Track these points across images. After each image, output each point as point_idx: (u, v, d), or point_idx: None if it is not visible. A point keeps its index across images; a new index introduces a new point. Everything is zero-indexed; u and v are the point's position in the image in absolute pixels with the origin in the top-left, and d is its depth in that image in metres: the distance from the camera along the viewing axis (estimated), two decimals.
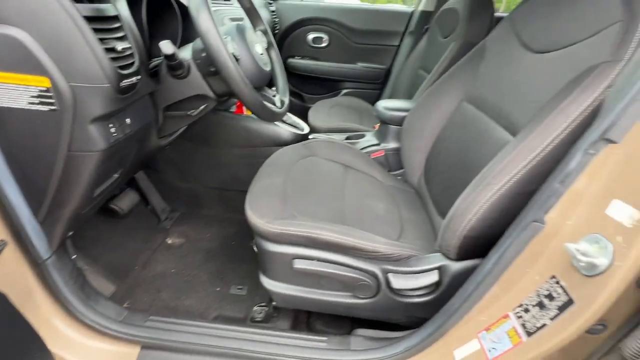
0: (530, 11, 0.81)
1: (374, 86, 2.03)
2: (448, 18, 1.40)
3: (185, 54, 0.73)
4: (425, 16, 1.80)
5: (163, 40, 0.69)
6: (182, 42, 0.88)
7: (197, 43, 0.73)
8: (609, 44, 0.54)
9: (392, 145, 1.26)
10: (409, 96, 1.69)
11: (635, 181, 0.41)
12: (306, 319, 1.00)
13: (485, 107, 0.85)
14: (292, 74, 2.05)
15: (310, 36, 1.95)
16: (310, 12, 1.88)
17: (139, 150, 0.79)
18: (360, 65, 1.98)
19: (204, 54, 0.69)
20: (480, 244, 0.67)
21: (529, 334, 0.52)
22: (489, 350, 0.58)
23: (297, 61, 2.01)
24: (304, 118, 1.65)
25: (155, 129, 0.82)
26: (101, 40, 0.54)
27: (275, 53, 0.97)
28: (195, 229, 1.33)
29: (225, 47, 0.61)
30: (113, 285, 1.01)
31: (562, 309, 0.48)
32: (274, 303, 0.86)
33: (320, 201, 0.88)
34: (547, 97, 0.63)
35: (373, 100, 2.09)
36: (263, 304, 0.99)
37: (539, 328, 0.51)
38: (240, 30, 0.75)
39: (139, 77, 0.61)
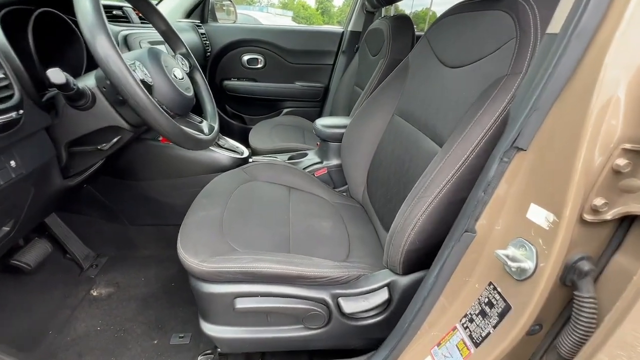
0: (441, 30, 0.87)
1: (314, 104, 2.05)
2: (375, 37, 1.47)
3: (89, 81, 0.64)
4: (355, 36, 1.88)
5: (67, 68, 0.60)
6: (90, 68, 0.79)
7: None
8: (508, 58, 0.59)
9: (334, 162, 1.26)
10: (348, 111, 1.73)
11: (543, 185, 0.43)
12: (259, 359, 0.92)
13: (413, 120, 0.88)
14: (231, 96, 2.00)
15: (245, 57, 1.92)
16: (241, 34, 1.86)
17: (38, 195, 0.67)
18: (298, 84, 1.99)
19: (109, 81, 0.62)
20: (423, 256, 0.67)
21: (477, 344, 0.52)
22: None
23: (234, 83, 1.96)
24: (246, 140, 1.60)
25: (58, 169, 0.70)
26: None
27: (200, 77, 0.91)
28: (127, 274, 1.18)
29: (132, 74, 0.54)
30: None
31: (502, 315, 0.48)
32: (219, 350, 0.78)
33: (263, 229, 0.83)
34: (463, 108, 0.66)
35: (314, 118, 2.11)
36: (208, 352, 0.89)
37: (484, 338, 0.51)
38: (154, 54, 0.69)
39: (21, 111, 0.52)
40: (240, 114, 2.08)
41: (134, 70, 0.59)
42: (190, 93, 0.77)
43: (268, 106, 2.06)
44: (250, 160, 1.25)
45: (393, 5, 1.40)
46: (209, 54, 1.76)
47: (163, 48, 0.96)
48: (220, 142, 1.26)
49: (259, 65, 1.95)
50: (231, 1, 1.98)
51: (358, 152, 1.10)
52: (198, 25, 1.70)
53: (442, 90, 0.79)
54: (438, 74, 0.82)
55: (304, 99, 2.03)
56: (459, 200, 0.59)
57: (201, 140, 0.72)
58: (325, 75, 1.99)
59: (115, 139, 0.71)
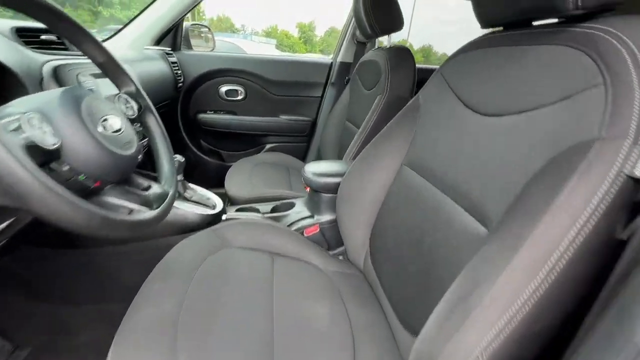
0: (464, 67, 0.70)
1: (301, 139, 1.86)
2: (369, 70, 1.31)
3: None
4: (345, 67, 1.74)
5: None
6: None
7: None
8: (593, 113, 0.40)
9: (327, 216, 1.04)
10: (339, 148, 1.56)
11: None
12: None
13: (433, 177, 0.68)
14: (207, 131, 1.78)
15: (223, 89, 1.72)
16: (219, 64, 1.67)
17: None
18: (283, 118, 1.80)
19: None
20: None
21: None
22: None
23: (210, 116, 1.75)
24: (223, 180, 1.37)
25: None
26: None
27: (154, 122, 0.69)
28: None
29: None
30: None
31: None
32: None
33: (236, 331, 0.59)
34: (519, 176, 0.47)
35: (301, 154, 1.92)
36: None
37: None
38: (70, 100, 0.46)
39: None
40: (217, 149, 1.86)
41: (15, 130, 0.36)
42: (131, 150, 0.54)
43: (249, 141, 1.85)
44: (223, 216, 1.02)
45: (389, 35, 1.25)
46: (180, 84, 1.56)
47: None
48: (186, 194, 1.02)
49: (239, 97, 1.76)
50: (209, 28, 1.81)
51: (358, 209, 0.89)
52: (168, 53, 1.50)
53: (474, 144, 0.60)
54: (466, 122, 0.64)
55: (290, 133, 1.83)
56: (538, 331, 0.38)
57: (138, 223, 0.48)
58: (313, 108, 1.82)
59: (5, 224, 0.47)
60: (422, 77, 1.17)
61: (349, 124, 1.51)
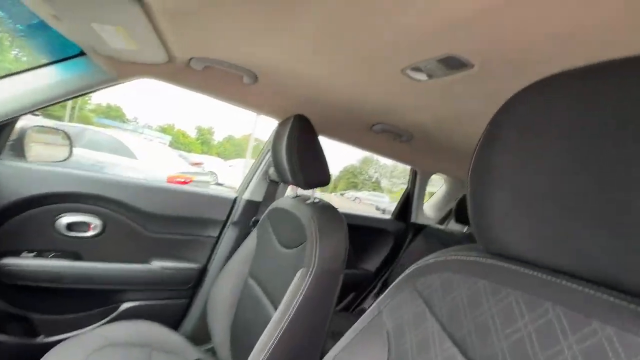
0: (449, 293, 0.47)
1: (180, 294, 1.33)
2: (287, 224, 1.04)
3: None
4: (253, 206, 1.45)
5: None
6: None
7: None
8: None
9: None
10: (234, 312, 1.13)
11: None
12: None
13: None
14: (15, 287, 1.07)
15: (65, 220, 1.14)
16: (65, 184, 1.13)
17: None
18: (157, 264, 1.28)
19: None
20: None
21: None
22: None
23: (28, 262, 1.08)
24: None
25: None
26: None
27: None
28: None
29: None
30: None
31: None
32: None
33: None
34: None
35: (176, 320, 1.34)
36: None
37: None
38: None
39: None
40: (27, 314, 1.12)
41: None
42: None
43: (92, 300, 1.20)
44: None
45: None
46: None
47: None
48: None
49: (91, 233, 1.19)
50: (66, 133, 1.32)
51: None
52: None
53: None
54: None
55: (164, 287, 1.29)
56: None
57: None
58: (204, 252, 1.38)
59: None
60: None
61: (252, 281, 1.13)
